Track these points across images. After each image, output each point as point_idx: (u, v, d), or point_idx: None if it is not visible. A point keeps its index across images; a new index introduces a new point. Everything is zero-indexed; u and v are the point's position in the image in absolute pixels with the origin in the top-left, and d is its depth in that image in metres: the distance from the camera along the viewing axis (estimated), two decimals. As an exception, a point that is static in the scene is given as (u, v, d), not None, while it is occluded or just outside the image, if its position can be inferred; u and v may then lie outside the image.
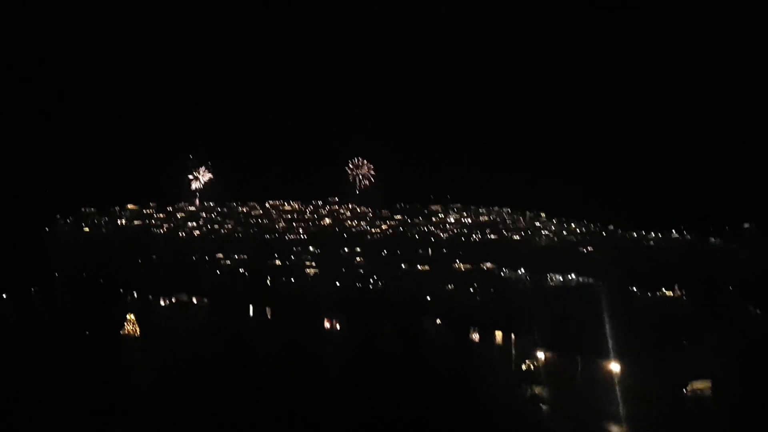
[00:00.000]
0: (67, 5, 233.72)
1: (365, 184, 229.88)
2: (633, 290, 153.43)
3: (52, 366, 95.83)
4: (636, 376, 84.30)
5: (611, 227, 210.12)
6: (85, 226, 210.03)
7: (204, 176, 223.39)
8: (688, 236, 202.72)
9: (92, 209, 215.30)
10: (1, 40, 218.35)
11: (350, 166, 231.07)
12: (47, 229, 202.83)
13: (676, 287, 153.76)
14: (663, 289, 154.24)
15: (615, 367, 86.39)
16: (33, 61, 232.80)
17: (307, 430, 71.68)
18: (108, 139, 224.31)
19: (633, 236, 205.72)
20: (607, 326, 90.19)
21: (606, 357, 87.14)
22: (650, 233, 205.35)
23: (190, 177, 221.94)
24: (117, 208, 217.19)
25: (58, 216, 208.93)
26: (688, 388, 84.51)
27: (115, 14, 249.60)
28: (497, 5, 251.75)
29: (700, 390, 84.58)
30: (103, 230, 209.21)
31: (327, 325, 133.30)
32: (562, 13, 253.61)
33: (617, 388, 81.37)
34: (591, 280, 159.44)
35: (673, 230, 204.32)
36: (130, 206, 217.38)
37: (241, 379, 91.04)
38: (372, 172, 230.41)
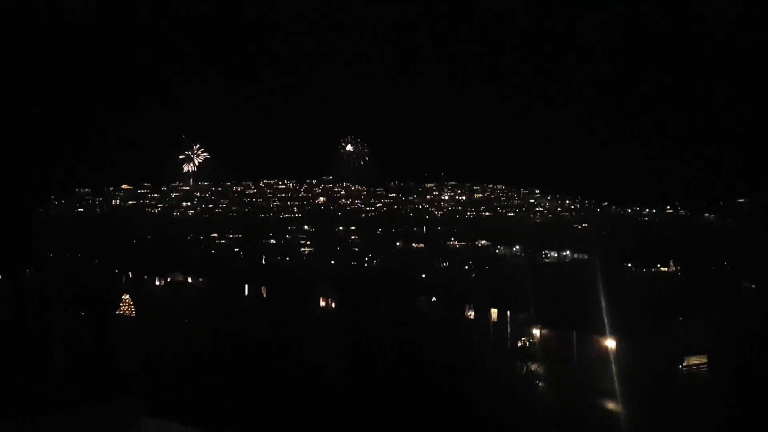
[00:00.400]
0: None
1: (360, 163, 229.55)
2: (628, 266, 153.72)
3: (48, 347, 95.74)
4: (632, 351, 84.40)
5: (606, 203, 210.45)
6: (80, 207, 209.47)
7: (198, 157, 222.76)
8: (683, 212, 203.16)
9: (86, 190, 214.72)
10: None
11: (343, 144, 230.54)
12: (42, 210, 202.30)
13: (671, 263, 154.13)
14: (658, 264, 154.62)
15: (611, 343, 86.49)
16: (27, 47, 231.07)
17: (303, 408, 71.66)
18: (102, 120, 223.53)
19: (627, 212, 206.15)
20: (603, 302, 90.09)
21: (601, 333, 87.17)
22: (644, 209, 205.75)
23: (182, 156, 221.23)
24: (111, 189, 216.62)
25: (52, 197, 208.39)
26: (684, 363, 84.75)
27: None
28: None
29: (696, 365, 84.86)
30: (98, 211, 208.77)
31: (322, 303, 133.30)
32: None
33: (613, 364, 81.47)
34: (586, 256, 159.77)
35: (668, 206, 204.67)
36: (124, 186, 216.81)
37: (237, 359, 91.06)
38: (366, 150, 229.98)
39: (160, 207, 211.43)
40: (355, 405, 72.11)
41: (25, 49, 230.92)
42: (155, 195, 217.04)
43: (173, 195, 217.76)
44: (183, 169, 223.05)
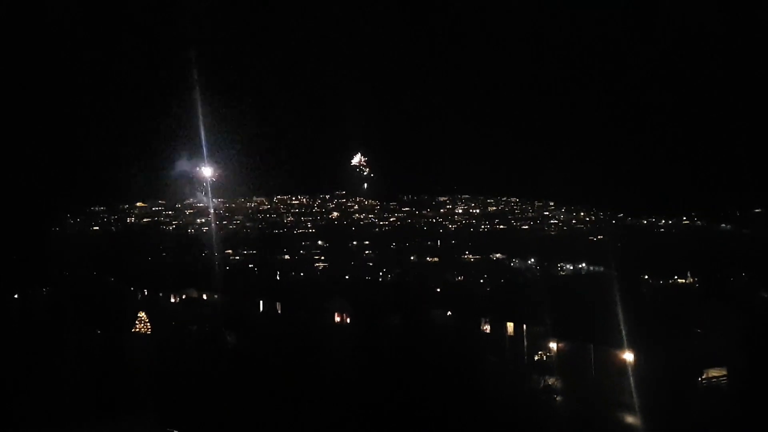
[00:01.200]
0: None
1: (372, 177, 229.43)
2: (645, 278, 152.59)
3: (65, 366, 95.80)
4: (650, 365, 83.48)
5: (621, 215, 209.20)
6: (94, 225, 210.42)
7: (212, 173, 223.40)
8: (699, 222, 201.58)
9: (101, 208, 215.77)
10: (5, 40, 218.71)
11: (355, 158, 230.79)
12: (57, 229, 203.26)
13: (688, 274, 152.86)
14: (675, 275, 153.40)
15: (628, 356, 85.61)
16: (39, 59, 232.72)
17: (318, 422, 71.32)
18: (116, 137, 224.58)
19: (643, 223, 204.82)
20: (620, 315, 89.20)
21: (619, 346, 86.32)
22: (660, 220, 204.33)
23: (191, 174, 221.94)
24: (126, 206, 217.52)
25: (67, 215, 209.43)
26: (704, 376, 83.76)
27: (120, 13, 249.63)
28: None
29: (716, 377, 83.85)
30: (112, 228, 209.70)
31: (337, 318, 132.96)
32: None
33: (631, 378, 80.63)
34: (602, 268, 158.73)
35: (684, 216, 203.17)
36: (138, 204, 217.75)
37: (253, 374, 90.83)
38: (379, 164, 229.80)
39: (174, 224, 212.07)
40: (370, 419, 71.66)
41: (39, 67, 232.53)
42: (169, 212, 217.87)
43: (187, 212, 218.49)
44: (197, 186, 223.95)
